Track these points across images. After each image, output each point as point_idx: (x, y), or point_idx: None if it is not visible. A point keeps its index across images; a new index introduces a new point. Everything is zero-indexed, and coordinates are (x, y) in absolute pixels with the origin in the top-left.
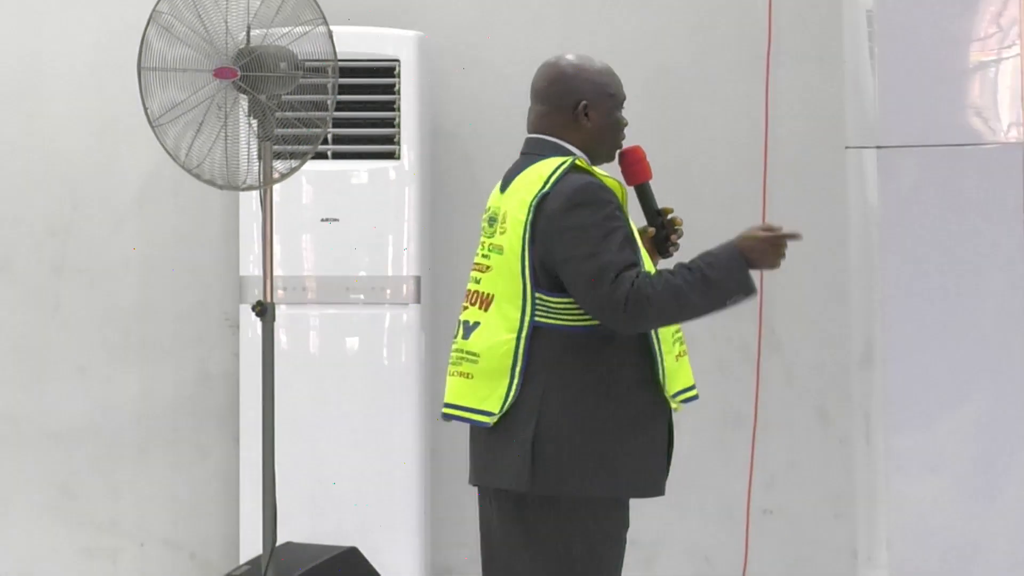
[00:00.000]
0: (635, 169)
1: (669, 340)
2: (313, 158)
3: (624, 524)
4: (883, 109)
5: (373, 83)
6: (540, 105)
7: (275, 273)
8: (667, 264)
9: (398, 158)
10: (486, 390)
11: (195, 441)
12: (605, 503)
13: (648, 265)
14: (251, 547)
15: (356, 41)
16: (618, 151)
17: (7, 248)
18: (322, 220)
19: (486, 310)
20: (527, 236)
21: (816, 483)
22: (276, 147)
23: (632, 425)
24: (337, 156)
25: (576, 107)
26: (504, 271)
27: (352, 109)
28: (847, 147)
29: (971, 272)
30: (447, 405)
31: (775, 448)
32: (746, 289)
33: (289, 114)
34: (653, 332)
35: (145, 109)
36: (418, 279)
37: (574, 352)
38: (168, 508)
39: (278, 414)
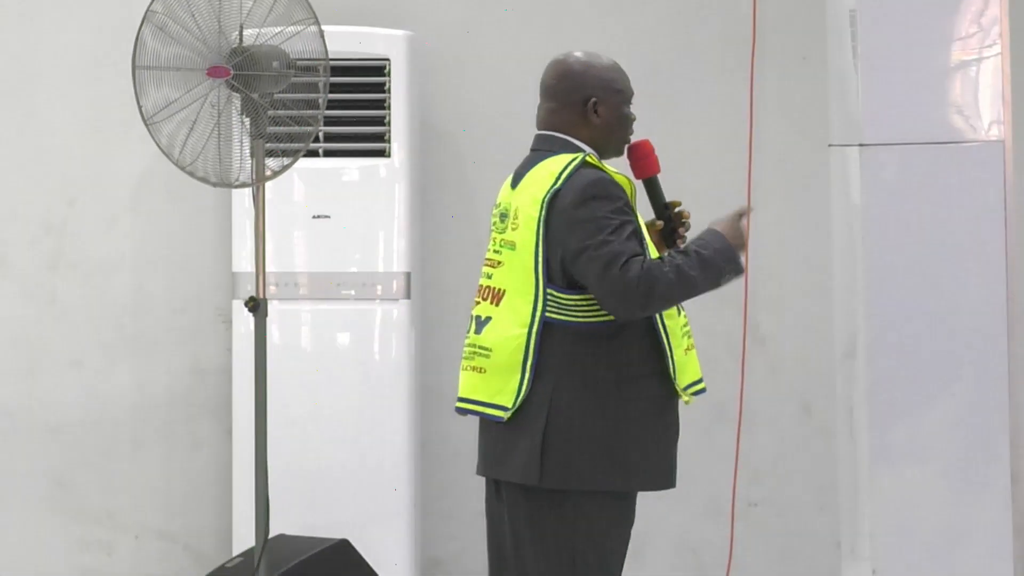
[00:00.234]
0: (644, 163)
1: (678, 334)
2: (305, 156)
3: (629, 518)
4: (866, 108)
5: (364, 82)
6: (549, 102)
7: (267, 269)
8: None
9: (388, 156)
10: (499, 384)
11: (189, 434)
12: (613, 497)
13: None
14: (244, 539)
15: (347, 40)
16: (627, 145)
17: (3, 244)
18: (314, 217)
19: (498, 305)
20: (540, 232)
21: (801, 476)
22: (268, 145)
23: (643, 419)
24: (328, 154)
25: (585, 103)
26: (516, 266)
27: (343, 107)
28: (831, 145)
29: (952, 267)
30: (461, 399)
31: (760, 441)
32: (736, 267)
33: (281, 112)
34: (662, 327)
35: (139, 107)
36: (408, 275)
37: (585, 347)
38: (162, 500)
39: (270, 408)
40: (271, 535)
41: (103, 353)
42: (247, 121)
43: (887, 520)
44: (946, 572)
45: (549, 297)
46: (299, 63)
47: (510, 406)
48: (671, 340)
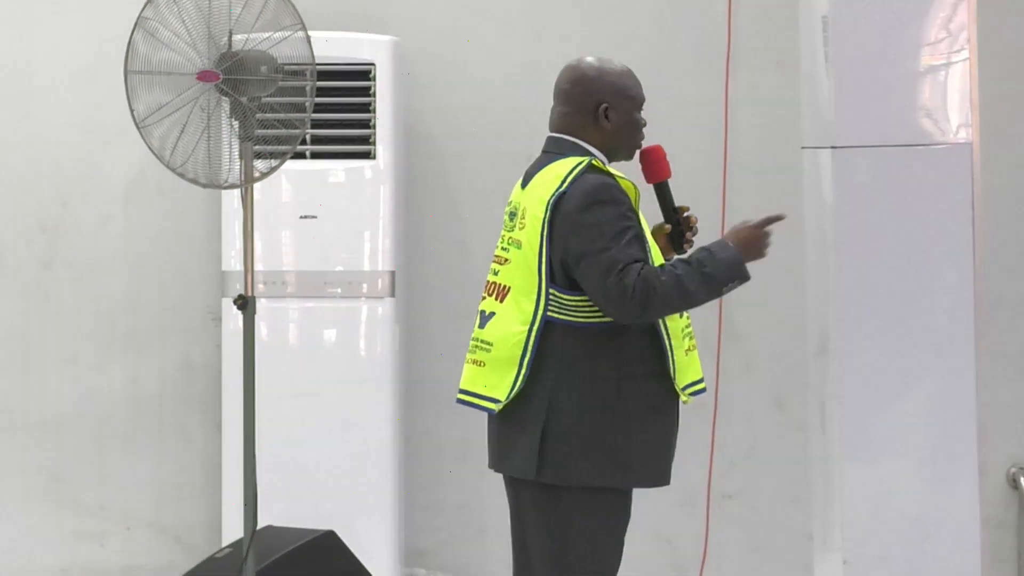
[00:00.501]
0: (655, 168)
1: (679, 334)
2: (292, 158)
3: (626, 515)
4: (838, 111)
5: (350, 86)
6: (562, 106)
7: (256, 268)
8: None
9: (374, 158)
10: (496, 378)
11: (179, 429)
12: (610, 494)
13: (659, 260)
14: (233, 530)
15: (333, 46)
16: (638, 150)
17: (0, 245)
18: (301, 217)
19: (502, 301)
20: (544, 233)
21: (774, 469)
22: (257, 147)
23: (641, 417)
24: (315, 156)
25: (597, 109)
26: (521, 265)
27: (329, 111)
28: (803, 147)
29: (922, 266)
30: (461, 391)
31: (735, 435)
32: (742, 276)
33: (269, 115)
34: (663, 327)
35: (131, 111)
36: (393, 274)
37: (586, 346)
38: (153, 493)
39: (259, 403)
40: (259, 526)
41: (96, 350)
42: (236, 124)
43: (858, 512)
44: (916, 562)
45: (551, 297)
46: (287, 68)
47: (503, 399)
48: (672, 341)
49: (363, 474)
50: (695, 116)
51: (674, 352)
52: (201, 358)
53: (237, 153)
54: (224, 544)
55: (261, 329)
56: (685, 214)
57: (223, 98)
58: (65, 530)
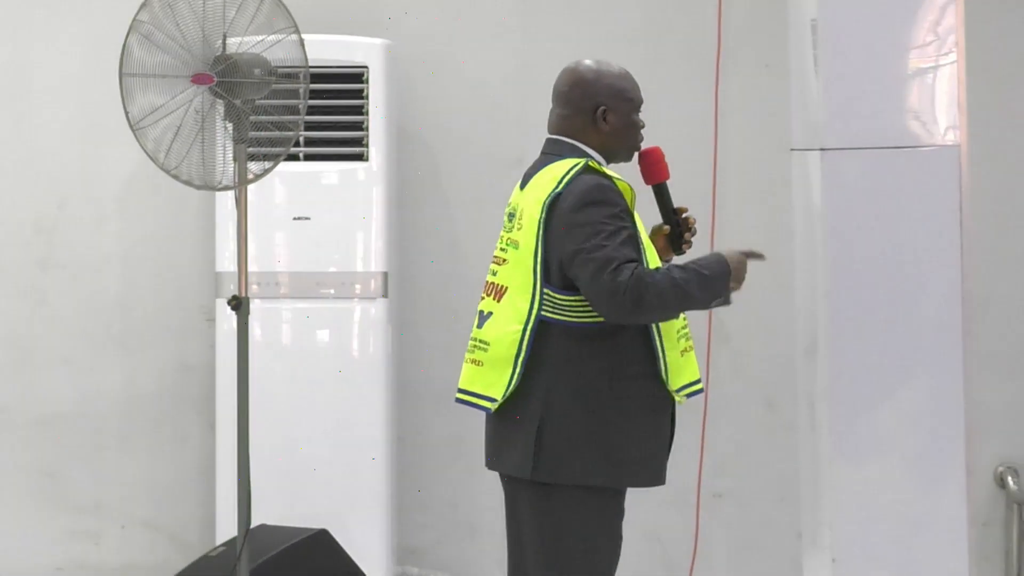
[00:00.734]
0: (654, 169)
1: (673, 336)
2: (285, 160)
3: (619, 514)
4: (826, 113)
5: (343, 88)
6: (561, 108)
7: (249, 269)
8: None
9: (366, 160)
10: (492, 377)
11: (174, 428)
12: (603, 493)
13: (654, 262)
14: (227, 529)
15: (326, 49)
16: (637, 152)
17: None
18: (294, 219)
19: (499, 301)
20: (540, 233)
21: (764, 468)
22: (250, 149)
23: (635, 417)
24: (308, 158)
25: (595, 111)
26: (518, 265)
27: (322, 113)
28: (792, 149)
29: (910, 267)
30: (460, 390)
31: (725, 435)
32: (725, 295)
33: (263, 118)
34: (655, 329)
35: (126, 113)
36: (385, 275)
37: (580, 346)
38: (148, 492)
39: (253, 403)
40: (253, 525)
41: (92, 350)
42: (230, 126)
43: (847, 511)
44: (904, 561)
45: (545, 297)
46: (280, 70)
47: (499, 398)
48: (664, 342)
49: (356, 473)
50: (685, 118)
51: (667, 354)
52: (195, 358)
53: (231, 155)
54: (218, 543)
55: (255, 329)
56: (684, 215)
57: (217, 100)
58: (60, 528)
